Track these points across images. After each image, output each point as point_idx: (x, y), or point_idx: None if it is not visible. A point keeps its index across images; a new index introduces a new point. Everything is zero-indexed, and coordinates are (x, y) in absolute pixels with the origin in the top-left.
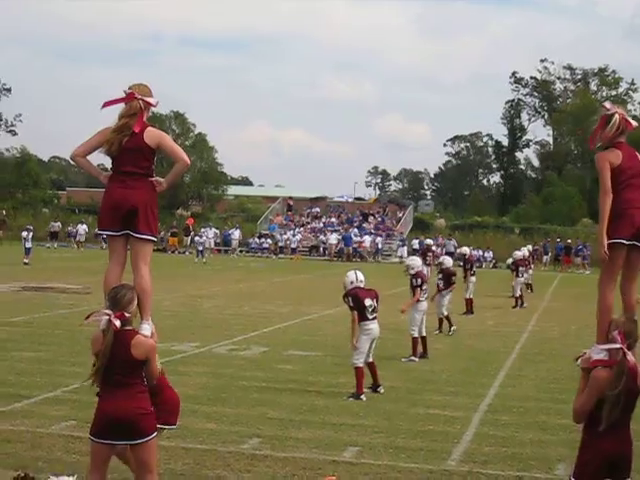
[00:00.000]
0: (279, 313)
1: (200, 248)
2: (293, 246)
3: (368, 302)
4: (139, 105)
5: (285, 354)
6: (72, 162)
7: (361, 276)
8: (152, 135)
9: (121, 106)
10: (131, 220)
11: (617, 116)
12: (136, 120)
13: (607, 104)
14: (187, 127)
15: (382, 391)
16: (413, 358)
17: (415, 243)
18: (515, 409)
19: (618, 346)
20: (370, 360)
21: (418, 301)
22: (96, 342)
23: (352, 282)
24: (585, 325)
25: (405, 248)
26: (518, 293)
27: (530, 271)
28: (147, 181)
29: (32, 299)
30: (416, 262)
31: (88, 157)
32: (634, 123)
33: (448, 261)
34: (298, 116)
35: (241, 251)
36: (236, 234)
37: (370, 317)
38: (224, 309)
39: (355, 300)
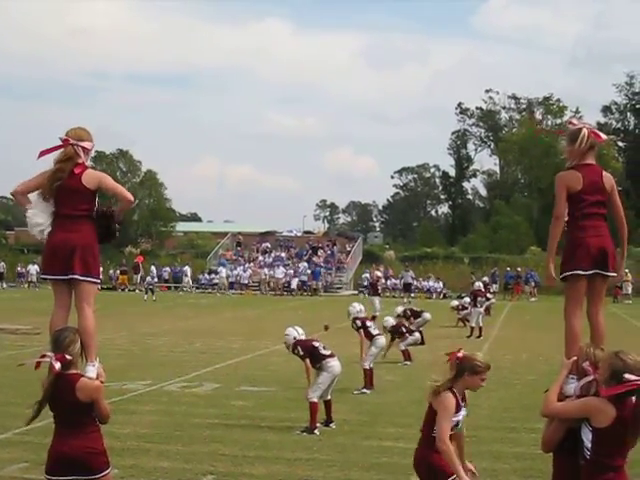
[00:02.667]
0: (230, 349)
1: (150, 286)
2: (244, 281)
3: (316, 343)
4: (73, 150)
5: (237, 390)
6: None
7: (301, 330)
8: (90, 177)
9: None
10: (71, 263)
11: (585, 130)
12: (71, 165)
13: (574, 120)
14: (134, 164)
15: (334, 426)
16: (365, 390)
17: (366, 275)
18: (468, 438)
19: (591, 378)
20: (328, 398)
21: (373, 337)
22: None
23: (295, 337)
24: (537, 354)
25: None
26: (477, 323)
27: (492, 300)
28: (87, 223)
29: None
30: (354, 308)
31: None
32: (603, 136)
33: (388, 322)
34: (246, 151)
35: (182, 289)
36: (188, 271)
37: (327, 353)
38: (175, 346)
39: (303, 348)
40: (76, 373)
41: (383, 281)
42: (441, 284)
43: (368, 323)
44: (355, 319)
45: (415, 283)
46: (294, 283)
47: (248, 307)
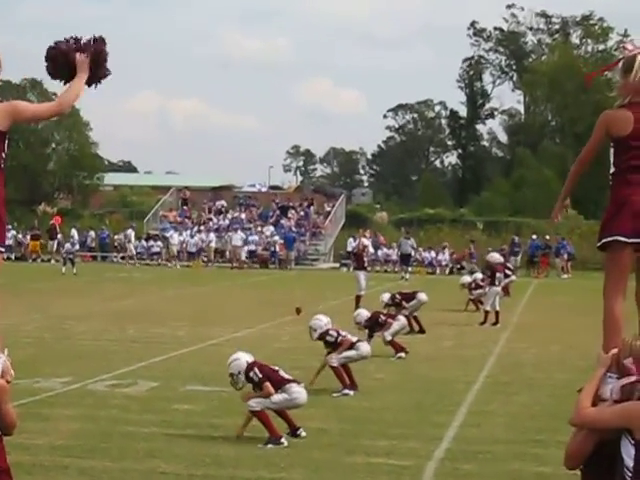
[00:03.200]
0: (174, 337)
1: (69, 255)
2: (191, 250)
3: (275, 368)
4: None
5: (182, 390)
6: None
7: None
8: None
9: None
10: None
11: None
12: None
13: (629, 44)
14: (49, 98)
15: (304, 434)
16: (347, 391)
17: (350, 242)
18: (480, 455)
19: (635, 378)
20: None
21: (354, 344)
22: None
23: (247, 361)
24: (569, 346)
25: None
26: (494, 306)
27: (513, 277)
28: None
29: None
30: (319, 322)
31: None
32: None
33: (361, 316)
34: (195, 81)
35: (123, 257)
36: (131, 236)
37: (289, 378)
38: (102, 333)
39: (260, 370)
40: None
41: (371, 251)
42: (447, 255)
43: (342, 332)
44: (326, 333)
45: (414, 254)
46: (244, 252)
47: (197, 283)
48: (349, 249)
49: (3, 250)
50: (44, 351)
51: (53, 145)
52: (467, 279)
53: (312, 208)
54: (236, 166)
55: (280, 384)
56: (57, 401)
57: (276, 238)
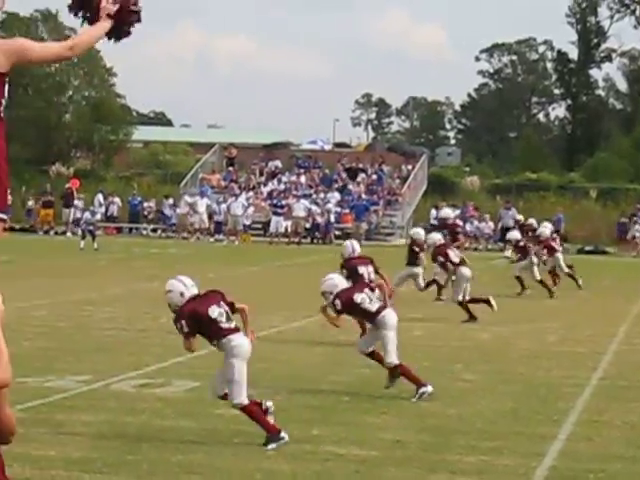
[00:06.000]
0: None
1: (89, 226)
2: (242, 222)
3: (214, 309)
4: None
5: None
6: None
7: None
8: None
9: None
10: None
11: None
12: None
13: None
14: (64, 34)
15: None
16: (424, 390)
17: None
18: (592, 474)
19: None
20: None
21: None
22: None
23: (182, 292)
24: None
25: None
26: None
27: (559, 254)
28: None
29: None
30: (332, 282)
31: None
32: None
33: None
34: (241, 15)
35: (154, 230)
36: (202, 203)
37: (230, 327)
38: (129, 322)
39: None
40: None
41: (460, 224)
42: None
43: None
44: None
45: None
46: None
47: (244, 262)
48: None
49: (5, 217)
50: (58, 343)
51: (70, 92)
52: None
53: (386, 170)
54: (293, 119)
55: (217, 335)
56: (74, 404)
57: (329, 206)
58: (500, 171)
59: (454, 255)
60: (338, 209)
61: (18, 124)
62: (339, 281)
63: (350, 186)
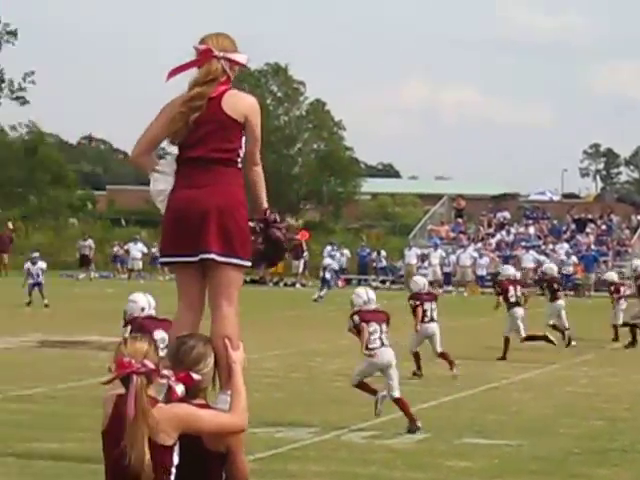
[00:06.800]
0: (445, 378)
1: (328, 276)
2: (481, 273)
3: None
4: (221, 66)
5: (457, 443)
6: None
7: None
8: (236, 101)
9: (193, 72)
10: (203, 236)
11: None
12: (213, 89)
13: None
14: (293, 88)
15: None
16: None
17: None
18: None
19: None
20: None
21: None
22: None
23: (143, 308)
24: None
25: None
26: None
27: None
28: (229, 172)
29: (55, 360)
30: (358, 299)
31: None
32: None
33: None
34: (468, 66)
35: (383, 282)
36: (435, 255)
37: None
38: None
39: None
40: (204, 403)
41: None
42: None
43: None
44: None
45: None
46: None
47: (474, 313)
48: None
49: (248, 265)
50: (288, 394)
51: (299, 145)
52: None
53: (615, 220)
54: (521, 170)
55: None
56: (305, 454)
57: (573, 258)
58: None
59: None
60: (572, 259)
61: None
62: None
63: (579, 236)
